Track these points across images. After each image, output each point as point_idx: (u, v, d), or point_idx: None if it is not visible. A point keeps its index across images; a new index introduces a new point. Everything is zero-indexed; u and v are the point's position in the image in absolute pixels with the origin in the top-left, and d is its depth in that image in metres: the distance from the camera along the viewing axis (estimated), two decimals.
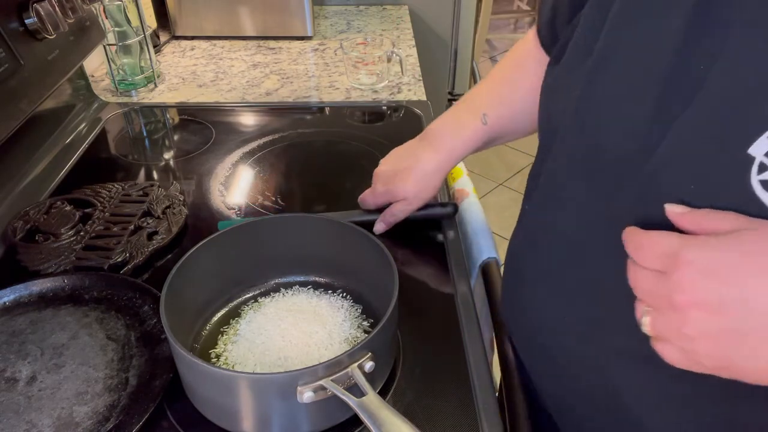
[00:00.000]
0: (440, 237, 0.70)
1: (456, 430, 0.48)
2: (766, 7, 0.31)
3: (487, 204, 2.35)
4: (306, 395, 0.43)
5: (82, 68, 0.98)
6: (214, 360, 0.53)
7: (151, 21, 1.24)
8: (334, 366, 0.44)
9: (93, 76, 1.13)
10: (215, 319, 0.57)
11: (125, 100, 1.05)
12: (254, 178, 0.83)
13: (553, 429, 0.52)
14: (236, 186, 0.81)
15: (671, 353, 0.32)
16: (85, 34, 0.89)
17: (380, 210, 0.69)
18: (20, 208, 0.74)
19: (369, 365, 0.45)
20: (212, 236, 0.56)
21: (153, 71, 1.08)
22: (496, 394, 0.54)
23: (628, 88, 0.38)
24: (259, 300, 0.59)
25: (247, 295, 0.60)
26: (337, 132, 0.94)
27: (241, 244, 0.58)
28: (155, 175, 0.84)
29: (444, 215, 0.72)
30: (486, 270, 0.69)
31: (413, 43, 1.29)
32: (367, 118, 1.00)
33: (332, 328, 0.54)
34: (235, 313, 0.58)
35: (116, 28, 1.00)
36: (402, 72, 1.12)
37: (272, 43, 1.30)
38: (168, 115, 1.02)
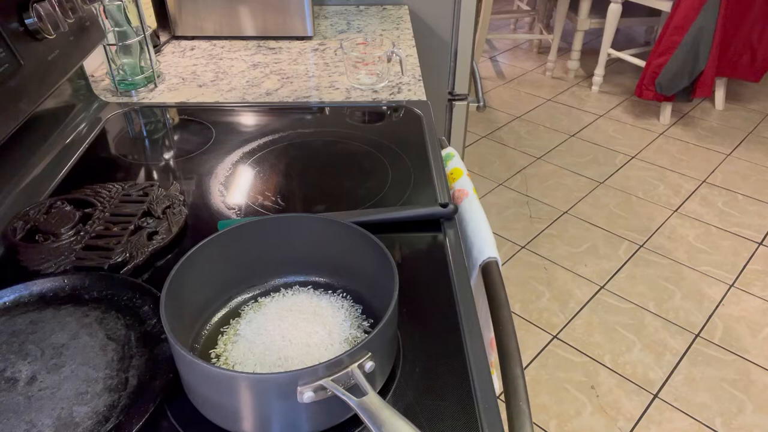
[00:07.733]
0: (440, 237, 0.70)
1: (456, 430, 0.48)
2: None
3: (487, 204, 2.36)
4: (306, 395, 0.43)
5: (82, 68, 0.98)
6: (214, 360, 0.53)
7: (151, 21, 1.24)
8: (334, 366, 0.44)
9: (93, 76, 1.13)
10: (215, 319, 0.57)
11: (125, 100, 1.05)
12: (254, 178, 0.83)
13: None
14: (236, 186, 0.81)
15: None
16: (85, 34, 0.90)
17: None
18: (20, 208, 0.74)
19: (369, 365, 0.45)
20: (212, 236, 0.56)
21: (153, 71, 1.08)
22: (496, 394, 0.54)
23: None
24: (259, 300, 0.59)
25: (247, 295, 0.60)
26: (337, 132, 0.94)
27: (241, 244, 0.58)
28: (155, 175, 0.84)
29: (444, 215, 0.72)
30: (486, 270, 0.69)
31: (413, 43, 1.29)
32: (367, 118, 0.99)
33: (332, 328, 0.54)
34: (235, 313, 0.58)
35: (116, 28, 1.00)
36: (402, 72, 1.12)
37: (272, 43, 1.30)
38: (168, 115, 1.02)
